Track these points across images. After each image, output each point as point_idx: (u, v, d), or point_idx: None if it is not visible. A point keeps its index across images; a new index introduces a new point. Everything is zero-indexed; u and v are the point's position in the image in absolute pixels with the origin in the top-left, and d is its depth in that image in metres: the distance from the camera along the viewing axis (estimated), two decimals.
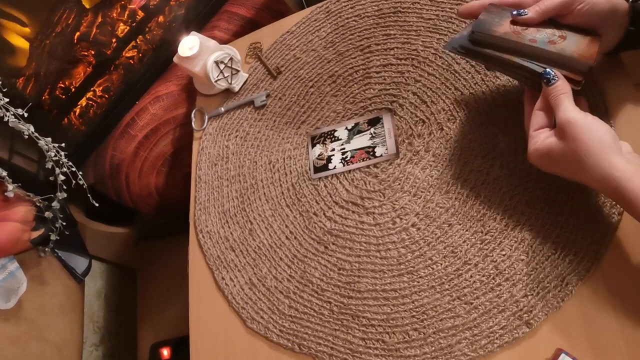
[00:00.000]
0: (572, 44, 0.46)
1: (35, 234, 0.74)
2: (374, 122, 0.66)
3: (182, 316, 0.70)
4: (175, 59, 0.78)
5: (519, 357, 0.47)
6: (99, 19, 0.90)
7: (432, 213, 0.57)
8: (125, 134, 0.90)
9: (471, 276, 0.52)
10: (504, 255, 0.51)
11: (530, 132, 0.46)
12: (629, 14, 0.46)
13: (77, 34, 0.90)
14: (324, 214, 0.63)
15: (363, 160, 0.64)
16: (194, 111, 0.81)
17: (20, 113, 0.69)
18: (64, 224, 0.79)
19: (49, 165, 0.73)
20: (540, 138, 0.45)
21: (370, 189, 0.62)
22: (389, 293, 0.55)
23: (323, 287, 0.58)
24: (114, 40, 0.91)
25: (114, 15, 0.91)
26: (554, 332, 0.47)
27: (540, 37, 0.47)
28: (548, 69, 0.45)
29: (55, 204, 0.76)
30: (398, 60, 0.67)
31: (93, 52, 0.91)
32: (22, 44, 0.82)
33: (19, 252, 0.74)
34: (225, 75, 0.76)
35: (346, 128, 0.68)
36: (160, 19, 0.93)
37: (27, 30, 0.81)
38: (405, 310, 0.53)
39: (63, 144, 0.74)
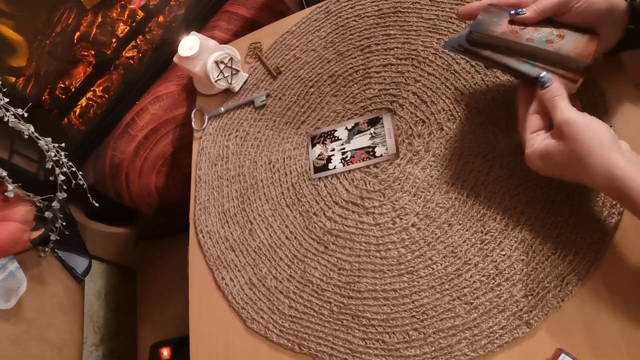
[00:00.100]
0: (570, 43, 0.46)
1: (35, 234, 0.74)
2: (374, 122, 0.66)
3: (182, 316, 0.70)
4: (175, 59, 0.78)
5: (519, 357, 0.47)
6: (99, 19, 0.90)
7: (432, 213, 0.57)
8: (125, 134, 0.90)
9: (471, 276, 0.52)
10: (504, 255, 0.51)
11: (526, 136, 0.46)
12: (628, 13, 0.46)
13: (77, 34, 0.90)
14: (324, 214, 0.63)
15: (363, 160, 0.64)
16: (194, 111, 0.81)
17: (20, 113, 0.69)
18: (64, 224, 0.79)
19: (49, 165, 0.73)
20: (537, 140, 0.45)
21: (370, 189, 0.62)
22: (389, 293, 0.55)
23: (323, 287, 0.58)
24: (114, 40, 0.91)
25: (114, 15, 0.91)
26: (554, 332, 0.47)
27: (537, 36, 0.47)
28: (543, 73, 0.45)
29: (55, 204, 0.76)
30: (398, 60, 0.67)
31: (93, 52, 0.91)
32: (18, 39, 0.82)
33: (19, 252, 0.74)
34: (225, 75, 0.76)
35: (346, 128, 0.68)
36: (160, 19, 0.93)
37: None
38: (405, 310, 0.53)
39: (63, 144, 0.74)
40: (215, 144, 0.76)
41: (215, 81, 0.75)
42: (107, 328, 1.02)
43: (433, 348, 0.50)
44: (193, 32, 0.79)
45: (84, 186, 0.76)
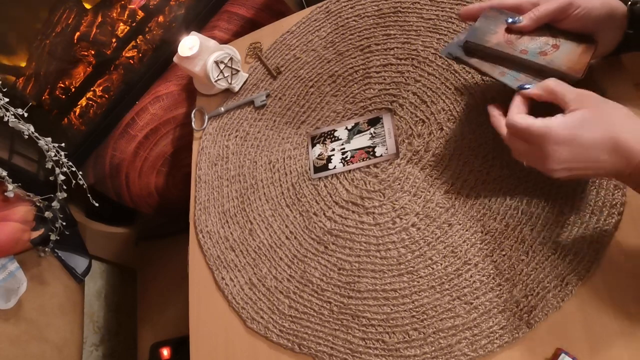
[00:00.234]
0: (564, 54, 0.46)
1: (35, 234, 0.74)
2: (374, 122, 0.66)
3: (182, 316, 0.70)
4: (175, 59, 0.78)
5: (519, 357, 0.47)
6: (99, 19, 0.90)
7: (432, 213, 0.57)
8: (125, 134, 0.90)
9: (471, 276, 0.52)
10: (503, 255, 0.51)
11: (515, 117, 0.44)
12: (627, 17, 0.46)
13: (77, 34, 0.90)
14: (324, 214, 0.63)
15: (363, 160, 0.64)
16: (194, 111, 0.81)
17: (20, 113, 0.69)
18: (64, 224, 0.79)
19: (49, 165, 0.73)
20: (534, 119, 0.43)
21: (370, 188, 0.62)
22: (389, 293, 0.55)
23: (323, 287, 0.58)
24: (114, 40, 0.91)
25: (114, 15, 0.91)
26: (554, 332, 0.47)
27: (532, 47, 0.48)
28: (527, 85, 0.46)
29: (55, 204, 0.76)
30: (398, 60, 0.67)
31: (93, 52, 0.91)
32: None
33: (19, 252, 0.74)
34: (225, 75, 0.76)
35: (346, 128, 0.68)
36: (160, 19, 0.93)
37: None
38: (405, 310, 0.53)
39: (63, 144, 0.74)
40: (215, 144, 0.76)
41: (215, 81, 0.75)
42: (107, 328, 1.02)
43: (433, 348, 0.50)
44: (193, 32, 0.79)
45: (84, 186, 0.76)
